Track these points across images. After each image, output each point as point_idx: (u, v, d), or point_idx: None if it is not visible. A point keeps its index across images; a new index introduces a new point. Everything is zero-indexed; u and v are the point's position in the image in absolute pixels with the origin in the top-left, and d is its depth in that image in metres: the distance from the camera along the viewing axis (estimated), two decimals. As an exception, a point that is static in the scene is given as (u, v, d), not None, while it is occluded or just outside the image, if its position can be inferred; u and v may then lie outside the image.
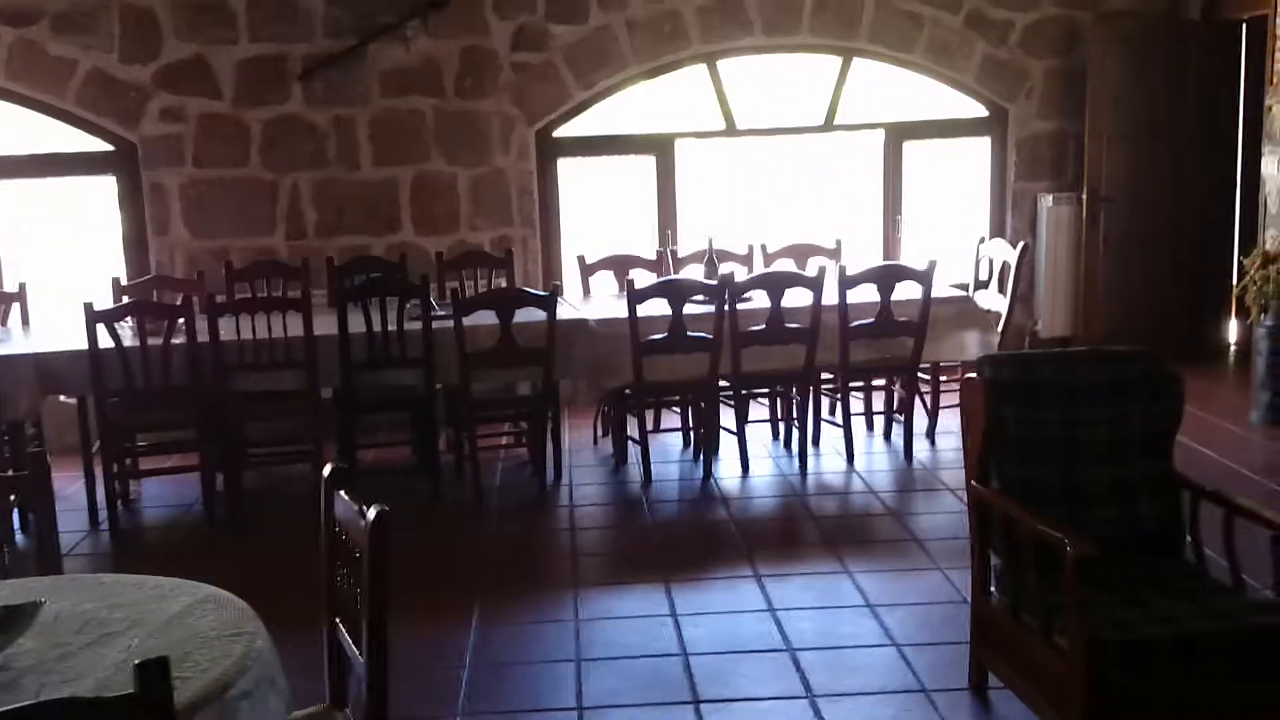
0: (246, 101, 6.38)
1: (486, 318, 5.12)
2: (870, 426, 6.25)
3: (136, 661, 1.59)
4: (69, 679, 1.93)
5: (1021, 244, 6.02)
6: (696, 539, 4.90)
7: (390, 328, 5.11)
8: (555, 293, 5.28)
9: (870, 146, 7.28)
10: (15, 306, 5.72)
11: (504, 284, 6.20)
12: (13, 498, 3.00)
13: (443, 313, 5.25)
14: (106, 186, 6.47)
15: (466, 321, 5.10)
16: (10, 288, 5.85)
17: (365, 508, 2.21)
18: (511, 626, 4.04)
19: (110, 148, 6.40)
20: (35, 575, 2.61)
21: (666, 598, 4.19)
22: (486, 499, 5.41)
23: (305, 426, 5.26)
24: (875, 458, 5.86)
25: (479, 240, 6.70)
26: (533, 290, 5.45)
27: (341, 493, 2.40)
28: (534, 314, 5.14)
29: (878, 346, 5.60)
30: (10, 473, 4.36)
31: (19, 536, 3.85)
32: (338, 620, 2.46)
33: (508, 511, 5.33)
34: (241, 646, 2.04)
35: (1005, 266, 6.08)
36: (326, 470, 2.46)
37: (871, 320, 5.49)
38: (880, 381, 6.20)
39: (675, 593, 4.23)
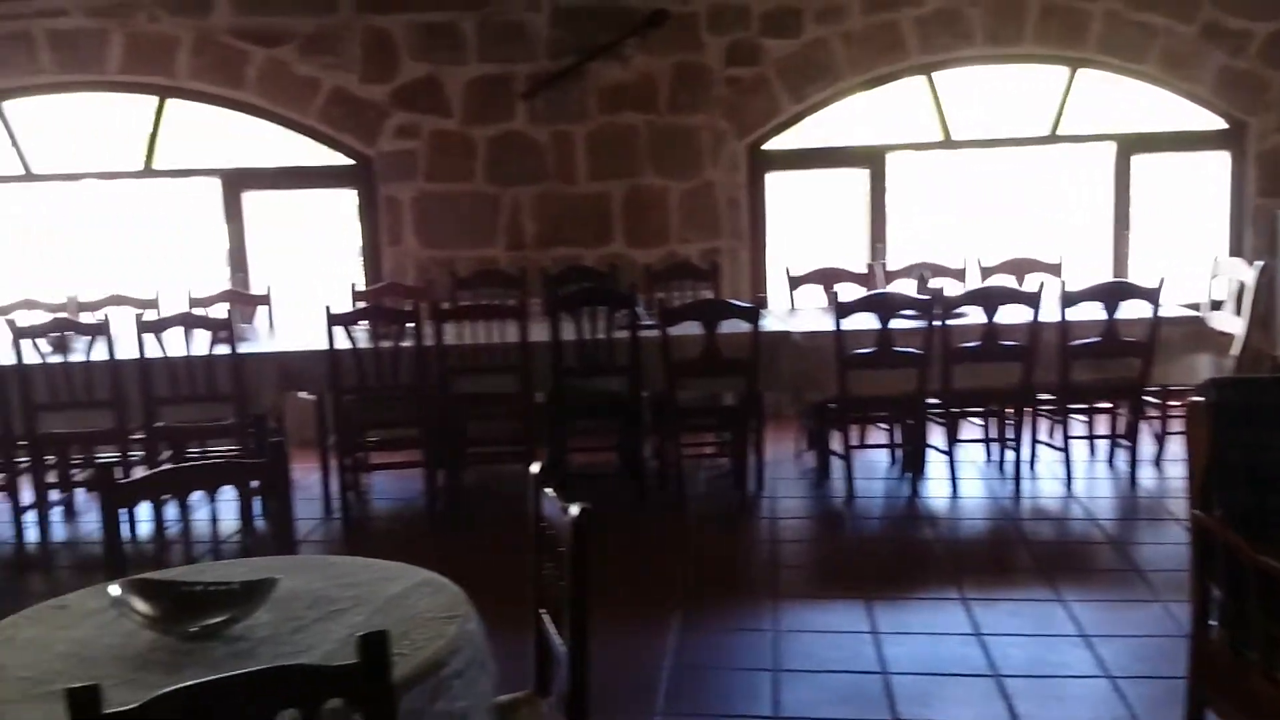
0: (474, 119, 6.70)
1: (692, 328, 5.20)
2: (1092, 451, 5.99)
3: (360, 634, 1.72)
4: (300, 650, 2.10)
5: (1260, 263, 5.65)
6: (900, 557, 4.82)
7: (600, 336, 5.27)
8: (760, 305, 5.30)
9: (1096, 159, 6.99)
10: (262, 309, 6.20)
11: (710, 295, 6.27)
12: (255, 484, 3.25)
13: (650, 322, 5.36)
14: (347, 199, 6.91)
15: (673, 331, 5.19)
16: (259, 291, 6.34)
17: (569, 505, 2.31)
18: (711, 632, 4.09)
19: (351, 162, 6.84)
20: (272, 555, 2.84)
21: (867, 615, 4.15)
22: (689, 506, 5.49)
23: (519, 428, 5.48)
24: (1096, 484, 5.61)
25: (688, 252, 6.81)
26: (738, 302, 5.49)
27: (548, 490, 2.51)
28: (739, 325, 5.19)
29: (1101, 367, 5.37)
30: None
31: (258, 521, 4.18)
32: (543, 612, 2.57)
33: (709, 519, 5.39)
34: (455, 628, 2.16)
35: (1242, 286, 5.72)
36: (535, 469, 2.59)
37: (1095, 339, 5.27)
38: (1104, 404, 5.94)
39: (877, 610, 4.18)
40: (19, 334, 5.13)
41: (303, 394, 5.82)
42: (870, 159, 7.01)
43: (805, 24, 6.71)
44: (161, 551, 2.85)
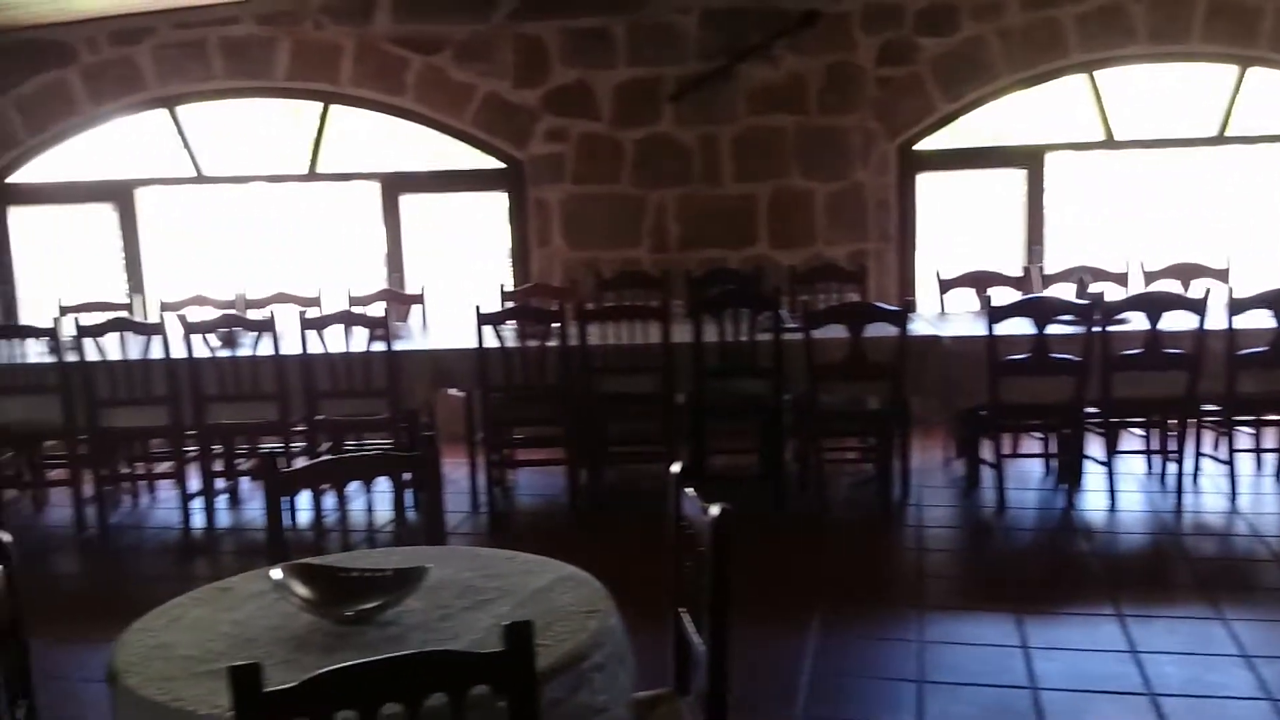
0: (622, 122, 6.77)
1: (837, 331, 5.14)
2: (1259, 465, 5.69)
3: (505, 623, 1.76)
4: (447, 637, 2.15)
5: None
6: (1053, 571, 4.67)
7: (742, 338, 5.26)
8: (908, 308, 5.21)
9: (1267, 161, 6.63)
10: (416, 308, 6.39)
11: (856, 298, 6.19)
12: (407, 476, 3.36)
13: (794, 325, 5.32)
14: (498, 201, 7.07)
15: (816, 334, 5.14)
16: (413, 290, 6.54)
17: (710, 506, 2.31)
18: (852, 639, 4.04)
19: (502, 165, 6.99)
20: (423, 545, 2.93)
21: (1017, 629, 4.03)
22: (830, 511, 5.43)
23: (660, 429, 5.51)
24: (1262, 499, 5.33)
25: (833, 254, 6.73)
26: (885, 305, 5.40)
27: (689, 490, 2.52)
28: (885, 329, 5.10)
29: (1270, 378, 5.09)
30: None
31: (410, 512, 4.31)
32: (682, 611, 2.58)
33: (851, 525, 5.31)
34: (596, 623, 2.19)
35: None
36: (675, 468, 2.60)
37: (1264, 349, 5.01)
38: (1272, 417, 5.63)
39: (1027, 624, 4.06)
40: (190, 329, 5.41)
41: (453, 391, 5.98)
42: (1028, 159, 6.81)
43: (961, 21, 6.56)
44: (319, 538, 2.97)
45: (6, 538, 2.25)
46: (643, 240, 6.87)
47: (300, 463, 5.60)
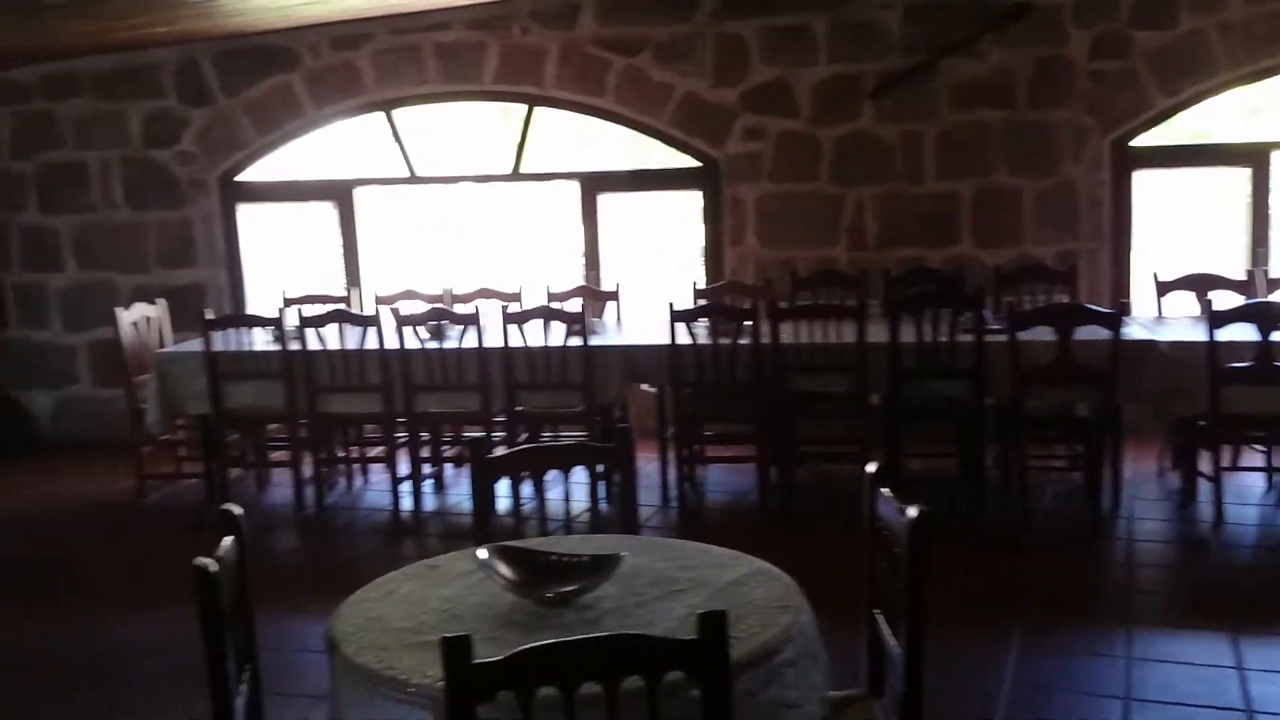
0: (821, 119, 6.72)
1: (1044, 334, 4.96)
2: None
3: (700, 612, 1.79)
4: (641, 624, 2.20)
5: None
6: (1274, 590, 4.38)
7: (942, 339, 5.14)
8: (1122, 311, 4.98)
9: None
10: (611, 304, 6.51)
11: (1065, 300, 5.95)
12: (602, 467, 3.43)
13: (997, 326, 5.16)
14: (693, 200, 7.13)
15: (1022, 336, 4.97)
16: (609, 287, 6.66)
17: (908, 507, 2.28)
18: (1055, 653, 3.90)
19: (698, 164, 7.04)
20: (617, 534, 2.99)
21: (1232, 649, 3.80)
22: (1033, 520, 5.24)
23: (854, 429, 5.44)
24: None
25: (1040, 254, 6.49)
26: (1097, 307, 5.17)
27: (884, 490, 2.49)
28: (1097, 332, 4.89)
29: None
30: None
31: (604, 502, 4.40)
32: (877, 612, 2.55)
33: (1056, 536, 5.12)
34: (789, 619, 2.19)
35: None
36: (871, 468, 2.57)
37: None
38: None
39: (1243, 645, 3.82)
40: (401, 322, 5.67)
41: (645, 386, 6.07)
42: (1253, 157, 6.41)
43: (1180, 14, 6.22)
44: (519, 522, 3.07)
45: (238, 511, 2.42)
46: (840, 239, 6.79)
47: (500, 451, 5.82)
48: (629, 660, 1.75)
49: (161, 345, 6.39)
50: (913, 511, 2.24)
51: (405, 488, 5.91)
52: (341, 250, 7.42)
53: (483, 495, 2.95)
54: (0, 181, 7.41)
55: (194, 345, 5.98)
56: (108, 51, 7.08)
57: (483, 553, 2.39)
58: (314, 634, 4.22)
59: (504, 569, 2.34)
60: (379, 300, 6.61)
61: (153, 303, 6.52)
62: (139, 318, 6.33)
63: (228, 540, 2.33)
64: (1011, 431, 5.29)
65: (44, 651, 4.32)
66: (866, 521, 2.56)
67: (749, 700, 1.98)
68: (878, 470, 2.55)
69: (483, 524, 2.94)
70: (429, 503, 6.03)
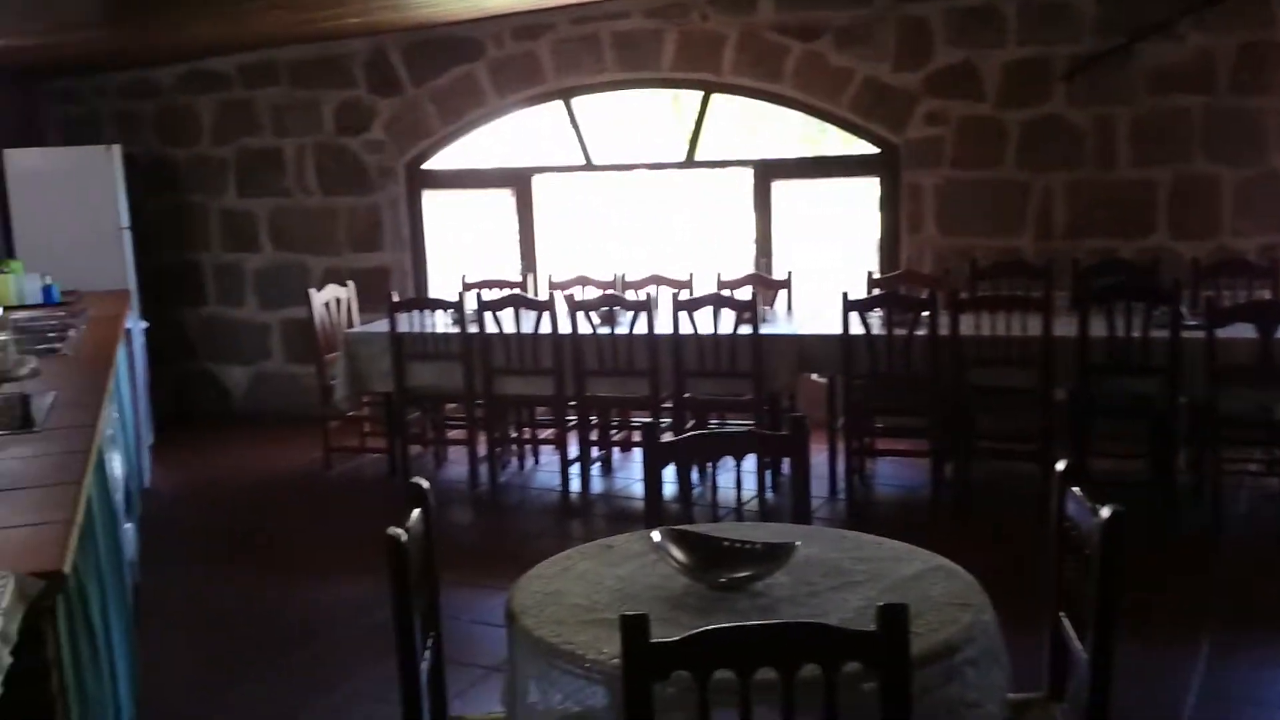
0: (1008, 103, 6.49)
1: (1244, 331, 4.68)
2: None
3: (880, 603, 1.76)
4: (815, 614, 2.17)
5: None
6: None
7: (1134, 334, 4.91)
8: (1335, 308, 4.65)
9: None
10: (783, 293, 6.46)
11: (1267, 295, 5.60)
12: (769, 458, 3.42)
13: (1194, 322, 4.91)
14: (869, 187, 7.00)
15: (1220, 333, 4.71)
16: (780, 276, 6.61)
17: (1100, 507, 2.19)
18: (1249, 666, 3.69)
19: (876, 150, 6.91)
20: (788, 523, 2.97)
21: None
22: (1227, 526, 4.96)
23: (1035, 425, 5.25)
24: None
25: (1241, 247, 6.12)
26: (1306, 304, 4.85)
27: (1075, 489, 2.40)
28: (1305, 330, 4.58)
29: None
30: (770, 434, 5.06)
31: (769, 492, 4.39)
32: (1062, 614, 2.46)
33: (1249, 543, 4.83)
34: (970, 617, 2.13)
35: None
36: (1060, 466, 2.48)
37: None
38: None
39: None
40: (575, 307, 5.77)
41: (815, 376, 6.01)
42: None
43: None
44: (689, 506, 3.08)
45: (425, 484, 2.50)
46: (1025, 227, 6.56)
47: (667, 437, 5.87)
48: (808, 648, 1.73)
49: (350, 325, 6.67)
50: (1106, 512, 2.15)
51: (574, 469, 6.01)
52: (518, 236, 7.58)
53: (654, 479, 2.97)
54: (202, 166, 7.86)
55: (380, 326, 6.22)
56: (304, 42, 7.42)
57: (657, 535, 2.41)
58: (487, 607, 4.37)
59: (677, 552, 2.35)
60: (553, 285, 6.73)
61: (343, 284, 6.81)
62: (330, 298, 6.62)
63: (416, 512, 2.42)
64: (1206, 433, 5.01)
65: (246, 614, 4.57)
66: (1054, 521, 2.47)
67: (926, 696, 1.94)
68: (1068, 468, 2.46)
69: (654, 507, 2.96)
70: (596, 485, 6.13)
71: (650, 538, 2.43)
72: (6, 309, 5.79)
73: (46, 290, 6.25)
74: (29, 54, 6.37)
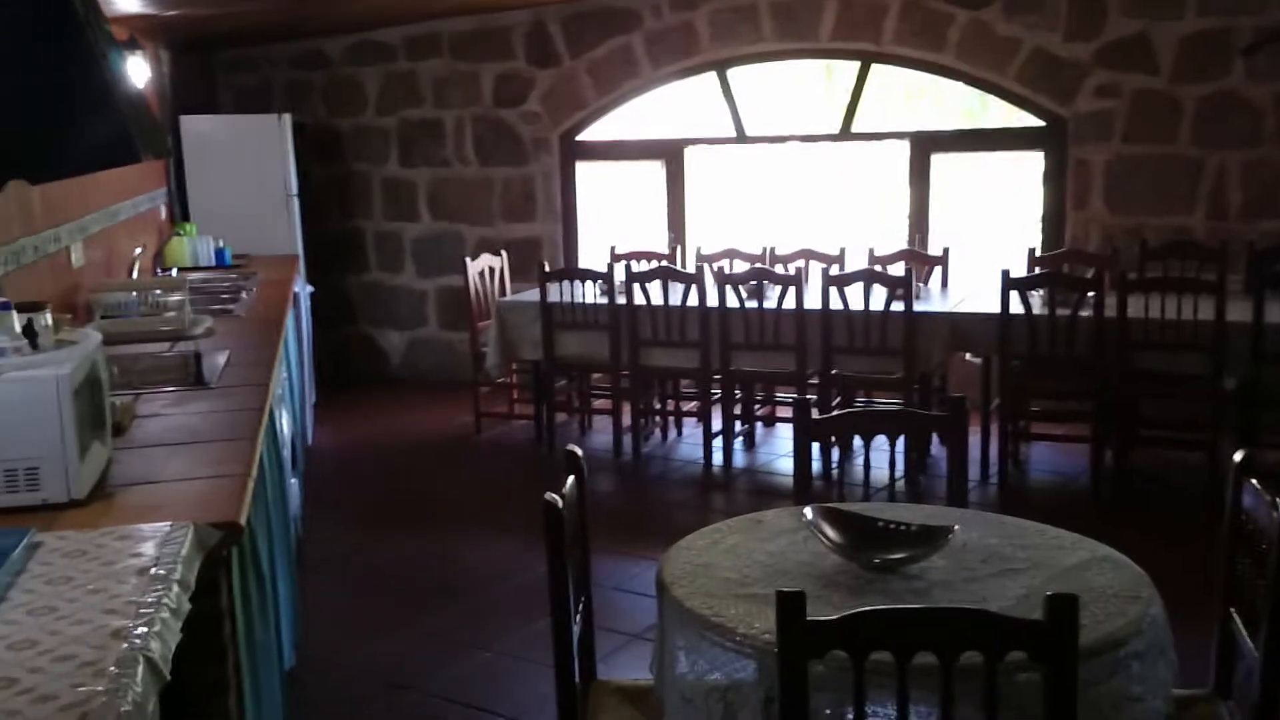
0: (1183, 77, 6.18)
1: None
2: None
3: (1049, 593, 1.71)
4: (974, 600, 2.12)
5: None
6: None
7: (1318, 321, 4.63)
8: None
9: None
10: (938, 269, 6.30)
11: None
12: (917, 438, 3.34)
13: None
14: (1033, 161, 6.76)
15: None
16: (935, 251, 6.45)
17: (1278, 500, 2.08)
18: None
19: (1041, 124, 6.66)
20: (942, 505, 2.91)
21: None
22: None
23: (1203, 414, 5.02)
24: None
25: None
26: None
27: (1253, 481, 2.28)
28: None
29: None
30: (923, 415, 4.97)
31: (923, 472, 4.30)
32: (1232, 610, 2.35)
33: None
34: (1137, 609, 2.06)
35: None
36: (1238, 457, 2.37)
37: None
38: None
39: None
40: (723, 281, 5.75)
41: (969, 356, 5.86)
42: None
43: None
44: (839, 485, 3.05)
45: (579, 452, 2.54)
46: (1197, 207, 6.24)
47: (816, 414, 5.81)
48: (972, 635, 1.69)
49: (502, 294, 6.80)
50: (1288, 507, 2.04)
51: (717, 443, 6.01)
52: (667, 208, 7.59)
53: (804, 455, 2.94)
54: (367, 135, 8.10)
55: (531, 296, 6.33)
56: (467, 13, 7.55)
57: (808, 512, 2.40)
58: (629, 574, 4.43)
59: (830, 530, 2.33)
60: (701, 258, 6.72)
61: (497, 254, 6.94)
62: (484, 267, 6.76)
63: (570, 480, 2.45)
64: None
65: (400, 568, 4.74)
66: (1229, 514, 2.36)
67: (1090, 689, 1.88)
68: (1245, 459, 2.34)
69: (803, 483, 2.94)
70: (739, 459, 6.12)
71: (802, 514, 2.42)
72: (181, 270, 6.10)
73: (219, 253, 6.55)
74: (208, 24, 6.66)
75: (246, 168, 7.22)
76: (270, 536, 3.03)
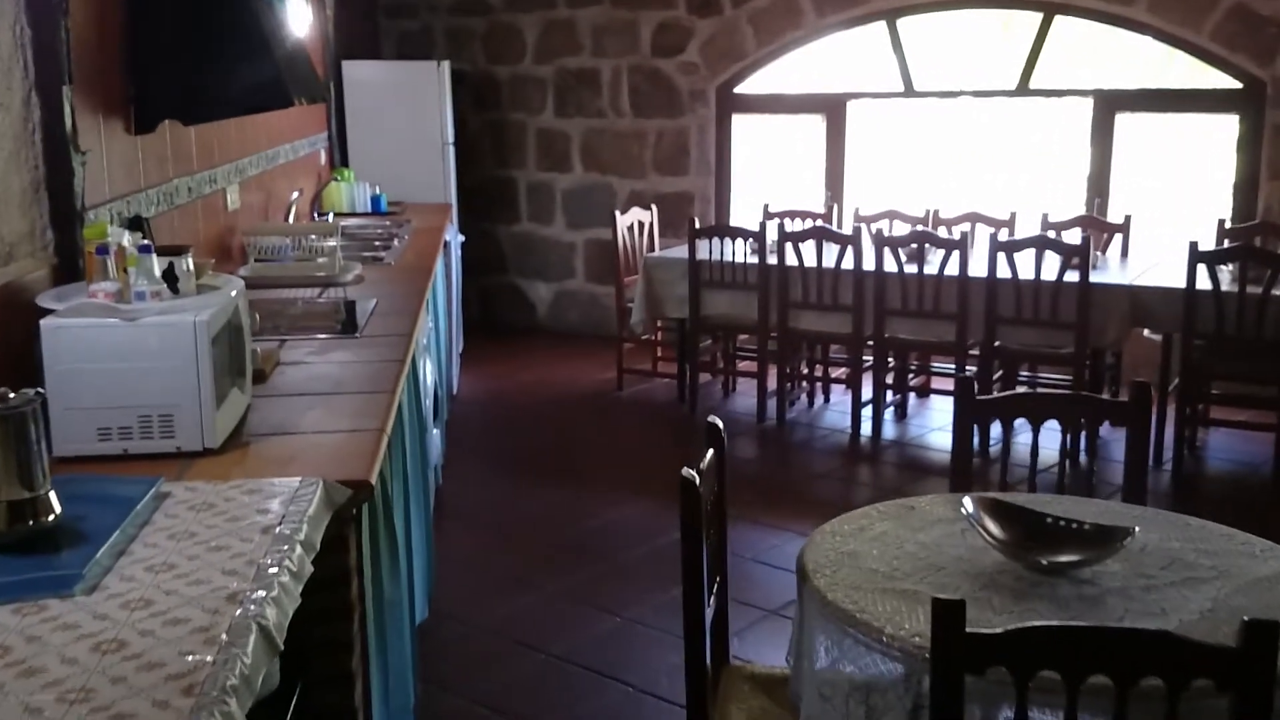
0: None
1: None
2: None
3: (1246, 619, 1.49)
4: (1151, 612, 1.91)
5: None
6: None
7: None
8: None
9: None
10: (1118, 238, 5.89)
11: None
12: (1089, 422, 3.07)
13: None
14: (1226, 125, 6.24)
15: None
16: (1115, 219, 6.04)
17: None
18: None
19: (1238, 85, 6.14)
20: (1119, 502, 2.67)
21: None
22: None
23: None
24: None
25: None
26: None
27: None
28: None
29: None
30: (1106, 396, 4.65)
31: (1091, 459, 4.01)
32: None
33: None
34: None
35: None
36: None
37: None
38: None
39: None
40: (881, 243, 5.48)
41: (1146, 332, 5.47)
42: None
43: None
44: (1002, 470, 2.82)
45: (720, 424, 2.39)
46: None
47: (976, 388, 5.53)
48: (1154, 660, 1.50)
49: (651, 249, 6.67)
50: None
51: (865, 412, 5.78)
52: (825, 165, 7.32)
53: (965, 436, 2.73)
54: (524, 85, 8.04)
55: (679, 252, 6.18)
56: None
57: (968, 504, 2.20)
58: (767, 546, 4.28)
59: (992, 525, 2.14)
60: (859, 219, 6.46)
61: (647, 208, 6.81)
62: (633, 221, 6.64)
63: (710, 453, 2.32)
64: None
65: (537, 525, 4.70)
66: None
67: (1285, 725, 1.66)
68: None
69: (962, 467, 2.73)
70: (888, 430, 5.88)
71: (960, 504, 2.22)
72: (337, 215, 6.16)
73: (375, 200, 6.60)
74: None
75: (405, 115, 7.25)
76: (406, 490, 2.99)
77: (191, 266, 2.37)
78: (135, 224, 3.01)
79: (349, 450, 2.31)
